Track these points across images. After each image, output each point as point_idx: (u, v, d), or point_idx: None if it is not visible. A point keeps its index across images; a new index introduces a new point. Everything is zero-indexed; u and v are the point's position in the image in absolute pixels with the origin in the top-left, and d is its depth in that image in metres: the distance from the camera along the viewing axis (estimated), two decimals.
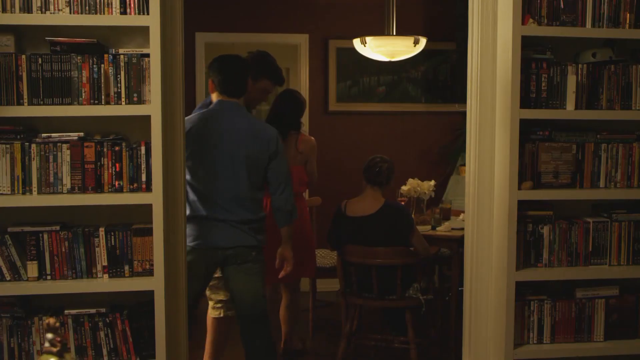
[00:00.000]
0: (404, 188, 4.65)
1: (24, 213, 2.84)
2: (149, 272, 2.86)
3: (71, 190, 2.80)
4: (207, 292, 3.82)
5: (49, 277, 2.83)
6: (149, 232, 2.84)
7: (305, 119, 4.99)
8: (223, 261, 3.39)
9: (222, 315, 3.84)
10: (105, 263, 2.85)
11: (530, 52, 2.98)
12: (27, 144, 2.77)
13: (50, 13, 2.73)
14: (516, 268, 2.99)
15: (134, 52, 2.81)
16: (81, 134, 2.83)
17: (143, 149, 2.82)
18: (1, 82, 2.72)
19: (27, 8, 2.72)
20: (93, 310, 2.87)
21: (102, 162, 2.81)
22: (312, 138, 4.33)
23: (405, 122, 6.07)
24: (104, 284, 2.85)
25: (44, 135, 2.79)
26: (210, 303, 3.89)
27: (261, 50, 4.08)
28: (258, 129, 3.41)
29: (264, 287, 3.47)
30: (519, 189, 2.97)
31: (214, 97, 3.52)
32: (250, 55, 3.97)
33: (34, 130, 2.85)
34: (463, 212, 3.60)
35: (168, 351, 2.89)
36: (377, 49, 4.80)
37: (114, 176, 2.82)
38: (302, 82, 5.79)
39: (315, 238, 4.56)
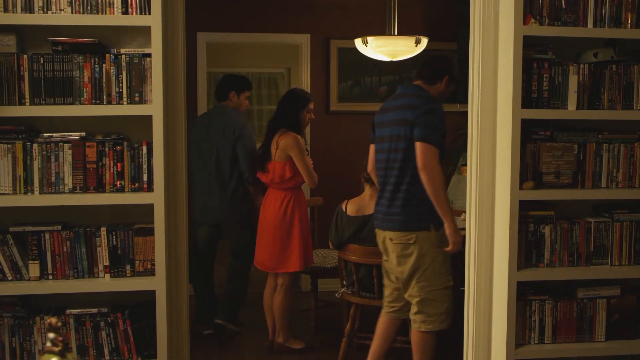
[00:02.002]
0: None
1: (26, 213, 2.84)
2: (151, 272, 2.87)
3: (73, 190, 2.80)
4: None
5: (50, 277, 2.83)
6: (150, 231, 2.84)
7: None
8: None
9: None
10: (106, 263, 2.85)
11: (532, 52, 2.98)
12: (29, 143, 2.77)
13: (52, 13, 2.74)
14: (517, 268, 2.99)
15: (136, 52, 2.81)
16: (83, 133, 2.83)
17: (144, 148, 2.83)
18: (3, 82, 2.73)
19: (28, 8, 2.73)
20: (94, 310, 2.88)
21: (104, 162, 2.82)
22: (292, 135, 4.16)
23: None
24: (105, 283, 2.85)
25: (45, 135, 2.80)
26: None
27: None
28: None
29: None
30: (521, 188, 2.97)
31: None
32: (446, 54, 3.70)
33: (36, 130, 2.85)
34: (464, 212, 3.60)
35: (169, 351, 2.90)
36: (378, 49, 4.79)
37: (115, 176, 2.83)
38: (303, 82, 5.78)
39: (312, 237, 4.53)
